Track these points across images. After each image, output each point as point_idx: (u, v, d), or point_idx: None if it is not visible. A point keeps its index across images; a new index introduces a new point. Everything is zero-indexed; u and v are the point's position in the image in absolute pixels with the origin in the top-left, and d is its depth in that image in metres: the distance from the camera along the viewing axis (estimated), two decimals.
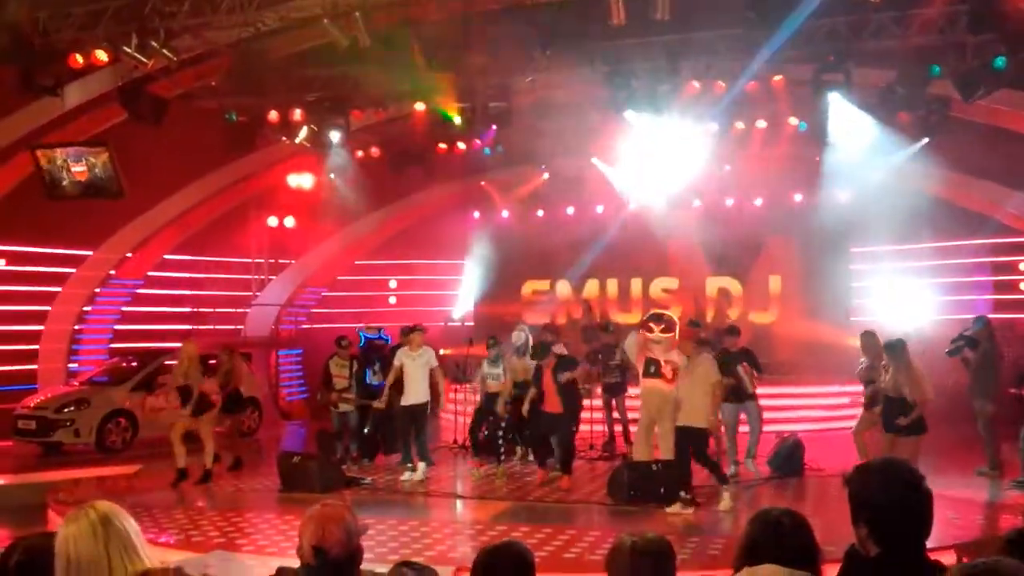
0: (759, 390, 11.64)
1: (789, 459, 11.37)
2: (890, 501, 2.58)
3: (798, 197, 17.83)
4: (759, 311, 18.37)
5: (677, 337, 10.48)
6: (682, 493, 9.37)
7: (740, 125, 14.47)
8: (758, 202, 18.11)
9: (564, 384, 11.02)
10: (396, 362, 11.53)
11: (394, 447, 12.42)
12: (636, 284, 19.36)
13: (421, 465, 11.41)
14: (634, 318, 17.16)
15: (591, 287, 19.50)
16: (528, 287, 20.12)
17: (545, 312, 18.53)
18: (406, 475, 11.35)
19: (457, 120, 13.02)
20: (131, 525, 2.83)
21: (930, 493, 2.63)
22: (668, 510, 9.33)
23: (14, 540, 3.04)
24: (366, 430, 12.61)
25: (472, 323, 19.96)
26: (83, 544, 2.70)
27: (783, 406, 14.42)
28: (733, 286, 18.72)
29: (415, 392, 11.38)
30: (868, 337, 10.71)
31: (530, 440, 11.90)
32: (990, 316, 12.09)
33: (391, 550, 7.92)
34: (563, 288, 19.70)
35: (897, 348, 9.52)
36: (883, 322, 15.10)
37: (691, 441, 9.40)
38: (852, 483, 2.72)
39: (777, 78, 11.94)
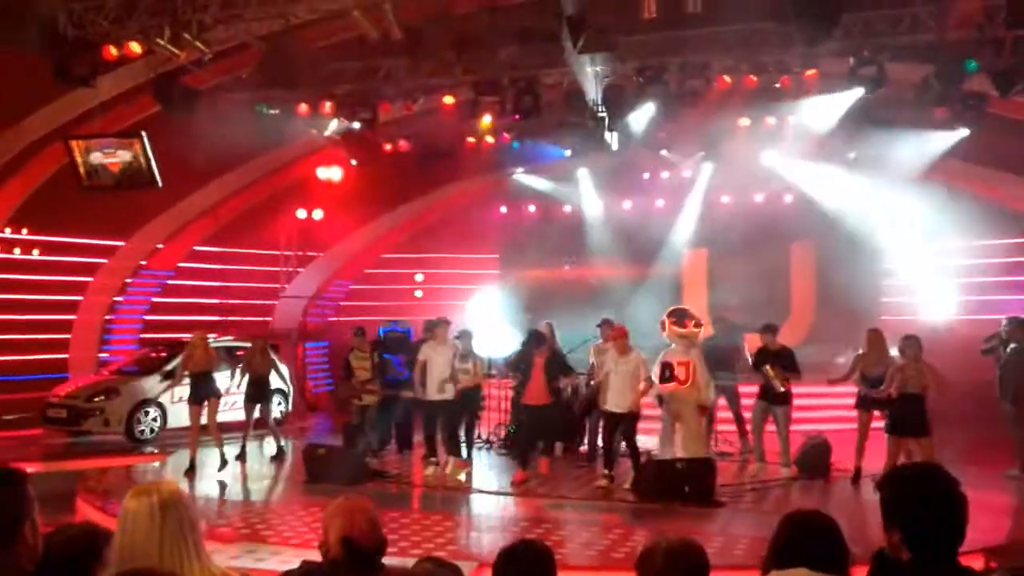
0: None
1: (816, 459, 11.25)
2: (926, 507, 2.53)
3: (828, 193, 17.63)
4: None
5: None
6: (606, 471, 10.55)
7: (771, 120, 14.32)
8: (788, 198, 17.94)
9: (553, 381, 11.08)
10: (421, 356, 11.47)
11: (409, 442, 12.51)
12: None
13: (451, 460, 11.35)
14: None
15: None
16: None
17: None
18: (429, 469, 11.34)
19: (487, 119, 12.99)
20: (191, 515, 2.83)
21: (965, 499, 2.58)
22: (597, 484, 10.44)
23: (52, 531, 3.05)
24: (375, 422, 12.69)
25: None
26: (141, 524, 2.71)
27: (810, 405, 14.26)
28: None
29: (439, 386, 11.30)
30: (873, 333, 10.76)
31: (514, 438, 11.68)
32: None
33: (413, 544, 7.94)
34: None
35: (915, 342, 9.86)
36: (914, 321, 14.95)
37: (621, 424, 10.57)
38: (886, 488, 2.67)
39: (810, 72, 11.78)
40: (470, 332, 12.19)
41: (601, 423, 11.14)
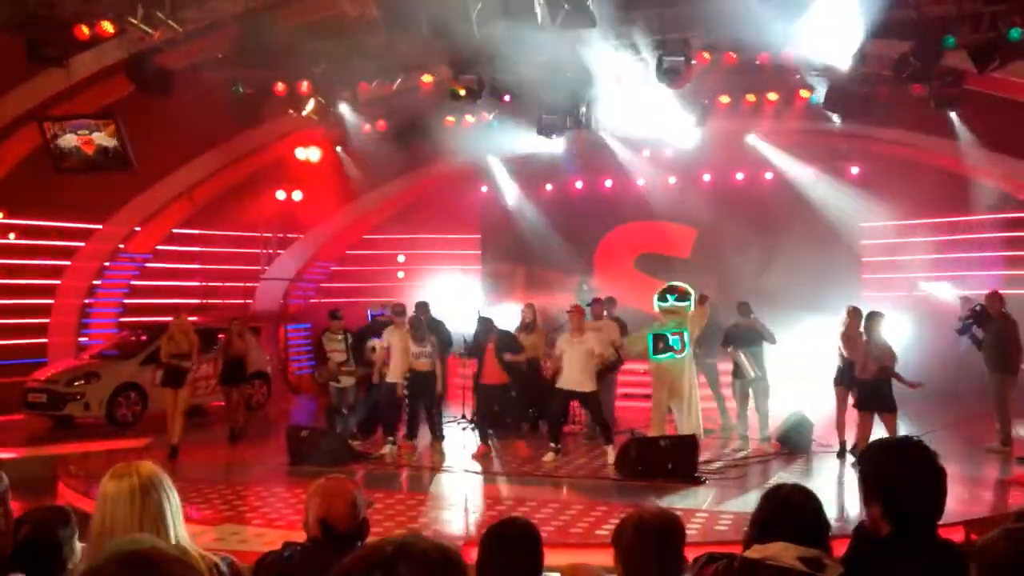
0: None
1: (797, 435, 11.35)
2: (905, 480, 2.55)
3: (809, 171, 17.67)
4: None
5: (693, 308, 10.70)
6: (552, 444, 10.91)
7: (751, 98, 14.31)
8: (768, 176, 17.97)
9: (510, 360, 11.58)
10: (383, 341, 11.73)
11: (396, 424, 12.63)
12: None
13: (388, 440, 11.56)
14: None
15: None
16: None
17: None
18: (386, 448, 11.48)
19: (463, 92, 12.88)
20: (171, 497, 2.81)
21: (944, 471, 2.59)
22: (544, 459, 10.73)
23: (23, 513, 3.03)
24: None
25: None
26: (120, 508, 2.69)
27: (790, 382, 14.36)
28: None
29: (400, 370, 11.56)
30: (852, 312, 10.90)
31: (476, 415, 12.07)
32: (1001, 292, 11.98)
33: (398, 524, 7.95)
34: None
35: (875, 319, 10.12)
36: (893, 298, 15.06)
37: (582, 402, 11.22)
38: (866, 462, 2.68)
39: (789, 49, 11.76)
40: (425, 304, 12.37)
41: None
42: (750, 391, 11.51)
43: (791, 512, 2.74)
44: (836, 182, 17.24)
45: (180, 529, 2.79)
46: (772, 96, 14.21)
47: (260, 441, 12.57)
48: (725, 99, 14.28)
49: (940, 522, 2.61)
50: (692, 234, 18.76)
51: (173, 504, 2.81)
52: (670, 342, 10.62)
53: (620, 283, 17.86)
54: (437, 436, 11.94)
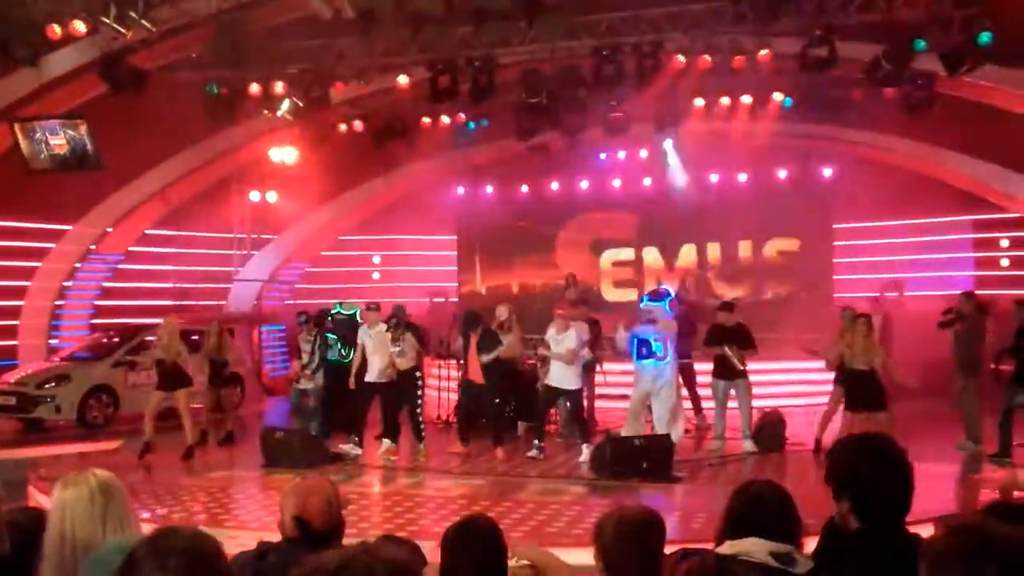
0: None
1: (770, 434, 11.42)
2: (873, 476, 2.58)
3: (782, 173, 17.83)
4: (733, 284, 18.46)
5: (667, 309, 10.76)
6: (536, 442, 10.95)
7: (725, 101, 14.40)
8: (742, 177, 18.09)
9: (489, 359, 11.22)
10: (359, 340, 11.64)
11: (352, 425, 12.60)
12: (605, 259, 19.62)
13: (384, 442, 11.44)
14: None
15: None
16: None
17: None
18: (348, 447, 11.39)
19: (439, 93, 12.88)
20: (129, 506, 2.79)
21: (912, 467, 2.63)
22: (528, 454, 10.88)
23: None
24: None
25: (457, 299, 19.99)
26: (80, 512, 2.66)
27: (764, 381, 14.46)
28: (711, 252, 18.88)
29: (377, 369, 11.47)
30: (846, 312, 11.00)
31: (458, 413, 11.93)
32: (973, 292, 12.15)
33: (374, 525, 7.94)
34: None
35: (865, 318, 10.23)
36: (865, 298, 15.22)
37: (565, 399, 11.17)
38: (834, 458, 2.72)
39: (763, 53, 11.86)
40: (402, 308, 12.32)
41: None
42: (732, 390, 11.52)
43: (762, 508, 2.77)
44: (809, 184, 17.43)
45: (140, 531, 2.78)
46: (746, 99, 14.31)
47: (234, 443, 12.47)
48: (700, 102, 14.36)
49: (911, 518, 2.64)
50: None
51: (134, 513, 2.80)
52: (652, 348, 10.70)
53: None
54: (416, 437, 11.92)
